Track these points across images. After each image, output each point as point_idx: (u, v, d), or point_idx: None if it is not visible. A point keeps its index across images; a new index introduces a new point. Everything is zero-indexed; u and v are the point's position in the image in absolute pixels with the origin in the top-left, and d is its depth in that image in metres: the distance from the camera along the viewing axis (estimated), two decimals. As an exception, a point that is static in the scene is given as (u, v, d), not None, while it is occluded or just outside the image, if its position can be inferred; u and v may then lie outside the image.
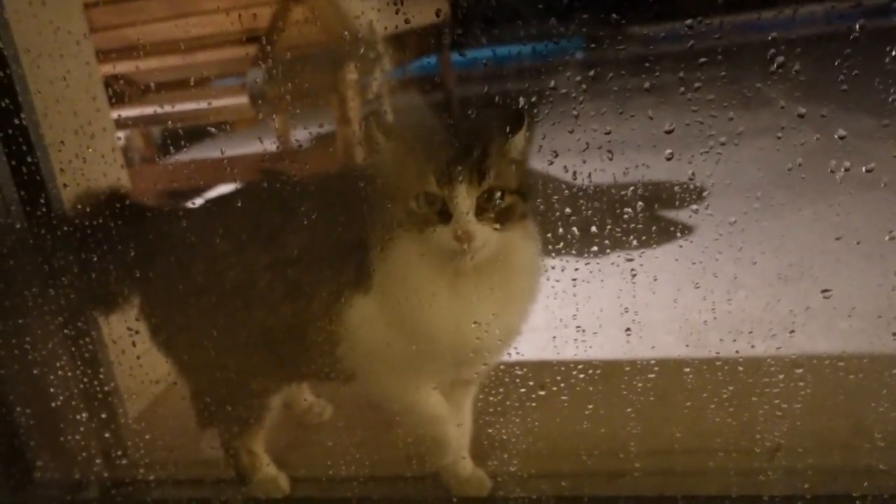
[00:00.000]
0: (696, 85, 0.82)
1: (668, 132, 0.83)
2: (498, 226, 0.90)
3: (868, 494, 0.92)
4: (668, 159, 0.83)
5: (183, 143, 1.28)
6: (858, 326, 1.02)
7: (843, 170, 0.82)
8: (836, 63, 0.79)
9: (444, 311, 0.95)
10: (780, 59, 0.79)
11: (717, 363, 0.98)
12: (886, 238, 0.84)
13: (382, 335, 0.99)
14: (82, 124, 1.02)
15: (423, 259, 0.93)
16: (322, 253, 1.02)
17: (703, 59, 0.82)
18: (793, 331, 0.91)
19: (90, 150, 0.99)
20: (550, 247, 0.96)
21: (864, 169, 0.81)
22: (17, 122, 0.98)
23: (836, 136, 0.81)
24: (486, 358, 1.01)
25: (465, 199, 0.88)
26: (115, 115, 1.43)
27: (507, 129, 0.91)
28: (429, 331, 0.96)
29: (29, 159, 1.00)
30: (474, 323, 0.95)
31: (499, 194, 0.90)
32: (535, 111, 0.92)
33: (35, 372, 1.12)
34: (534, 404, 1.04)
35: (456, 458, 1.10)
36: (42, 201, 1.03)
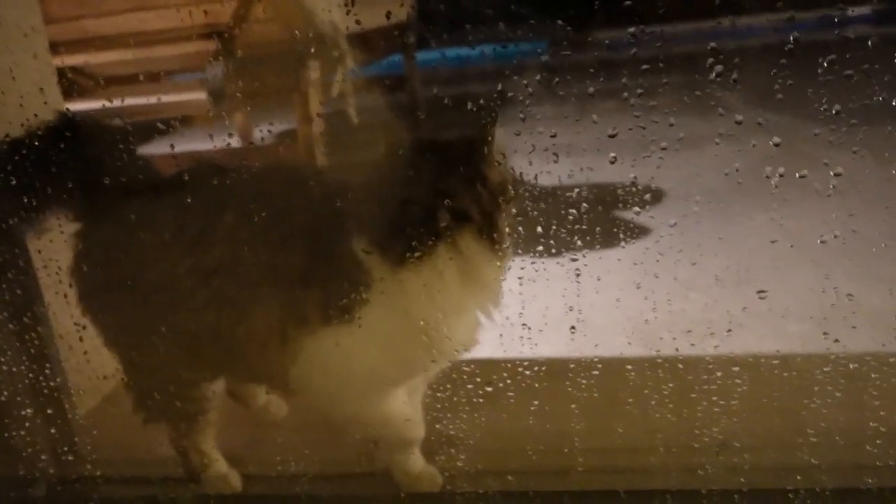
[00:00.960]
0: (639, 91, 0.85)
1: (612, 136, 0.85)
2: None
3: (801, 488, 0.96)
4: (612, 163, 0.85)
5: (143, 138, 1.27)
6: (795, 328, 1.06)
7: (778, 175, 0.85)
8: (772, 73, 0.82)
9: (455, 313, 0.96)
10: (719, 67, 0.82)
11: (659, 361, 1.01)
12: (818, 242, 0.88)
13: (354, 360, 0.98)
14: (28, 117, 1.00)
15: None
16: (270, 272, 0.99)
17: (645, 66, 0.84)
18: (730, 330, 0.94)
19: (36, 143, 0.98)
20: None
21: (797, 175, 0.85)
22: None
23: (771, 143, 0.84)
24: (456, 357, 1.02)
25: None
26: (69, 108, 1.41)
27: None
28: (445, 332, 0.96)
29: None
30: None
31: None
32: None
33: (-21, 367, 1.11)
34: (481, 401, 1.05)
35: (407, 451, 1.10)
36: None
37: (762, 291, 0.91)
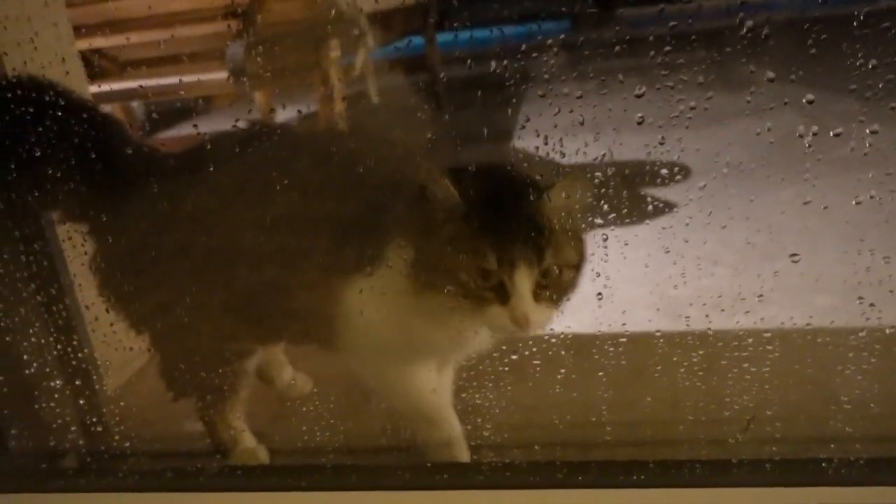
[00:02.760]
0: (664, 57, 0.82)
1: (639, 96, 0.83)
2: (555, 304, 0.87)
3: (834, 458, 0.94)
4: (639, 123, 0.83)
5: (166, 120, 1.27)
6: (828, 292, 1.04)
7: (811, 134, 0.83)
8: (805, 26, 0.80)
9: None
10: (750, 23, 0.80)
11: (688, 331, 0.99)
12: (853, 203, 0.85)
13: (381, 320, 0.96)
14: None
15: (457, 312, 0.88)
16: (320, 223, 0.98)
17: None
18: (761, 295, 0.92)
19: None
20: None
21: (831, 133, 0.82)
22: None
23: (804, 101, 0.82)
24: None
25: (524, 282, 0.83)
26: (93, 89, 1.42)
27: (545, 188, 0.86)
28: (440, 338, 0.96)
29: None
30: None
31: (556, 271, 0.85)
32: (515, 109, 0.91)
33: (8, 339, 1.12)
34: (506, 370, 1.05)
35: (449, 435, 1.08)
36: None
37: (794, 255, 0.88)
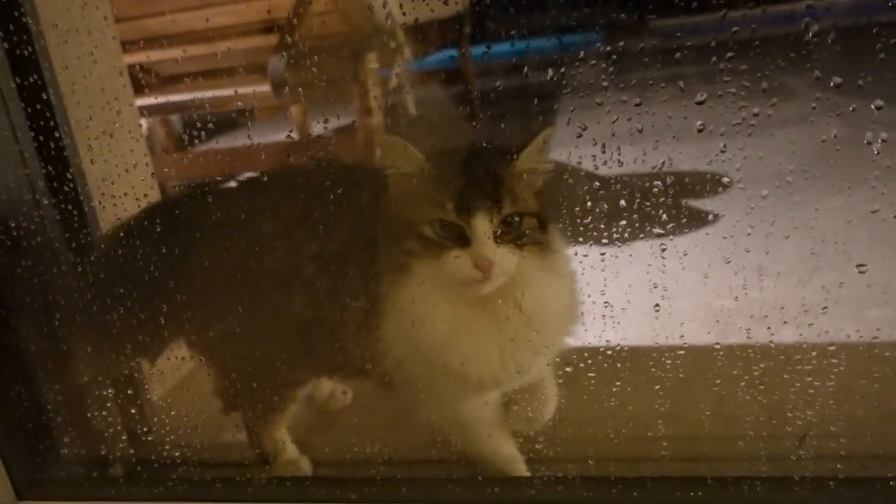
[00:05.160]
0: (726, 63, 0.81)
1: (699, 103, 0.81)
2: (517, 250, 0.88)
3: (902, 476, 0.90)
4: (700, 131, 0.81)
5: (206, 133, 1.28)
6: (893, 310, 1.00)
7: (880, 141, 0.80)
8: (873, 31, 0.78)
9: (458, 337, 0.94)
10: (815, 27, 0.78)
11: (749, 344, 0.97)
12: (923, 212, 0.82)
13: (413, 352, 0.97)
14: (109, 100, 1.02)
15: (438, 287, 0.91)
16: (361, 250, 1.00)
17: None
18: (825, 307, 0.89)
19: (117, 125, 1.00)
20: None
21: (901, 140, 0.80)
22: (43, 97, 0.98)
23: (873, 107, 0.79)
24: (506, 383, 0.99)
25: (484, 226, 0.86)
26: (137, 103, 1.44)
27: (514, 148, 0.90)
28: (444, 357, 0.94)
29: (56, 135, 1.00)
30: (489, 348, 0.94)
31: (517, 218, 0.89)
32: (552, 118, 0.91)
33: (64, 348, 1.13)
34: (560, 381, 1.03)
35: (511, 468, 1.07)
36: (69, 177, 1.03)
37: (861, 265, 0.86)
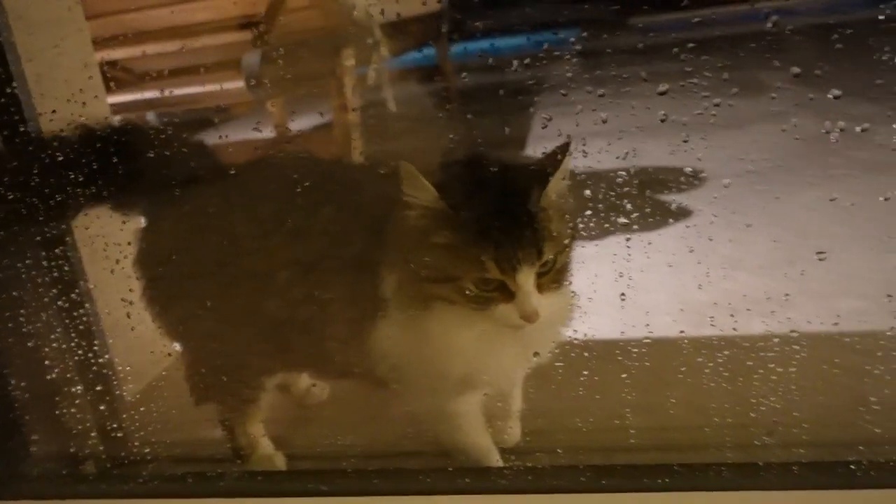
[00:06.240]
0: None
1: (662, 93, 0.82)
2: (557, 287, 0.87)
3: (864, 460, 0.92)
4: (662, 121, 0.82)
5: (183, 130, 1.27)
6: (855, 291, 1.02)
7: (837, 130, 0.82)
8: (830, 22, 0.79)
9: (482, 356, 0.93)
10: (774, 17, 0.79)
11: (714, 333, 0.98)
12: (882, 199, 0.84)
13: (409, 355, 0.96)
14: (74, 92, 1.01)
15: (464, 320, 0.88)
16: (345, 257, 0.98)
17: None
18: (787, 294, 0.90)
19: (83, 118, 0.99)
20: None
21: (857, 129, 0.81)
22: (7, 90, 0.97)
23: (830, 96, 0.81)
24: (518, 380, 1.00)
25: (527, 280, 0.83)
26: (111, 100, 1.43)
27: (538, 173, 0.85)
28: (465, 373, 0.94)
29: (22, 129, 0.99)
30: (511, 358, 0.95)
31: (553, 258, 0.85)
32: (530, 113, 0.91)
33: (30, 344, 1.12)
34: (528, 371, 1.04)
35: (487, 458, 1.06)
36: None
37: (821, 252, 0.87)
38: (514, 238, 0.82)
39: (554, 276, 0.86)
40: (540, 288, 0.84)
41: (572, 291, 0.94)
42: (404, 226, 0.87)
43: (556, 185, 0.85)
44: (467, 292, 0.85)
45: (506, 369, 0.97)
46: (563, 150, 0.85)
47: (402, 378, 0.99)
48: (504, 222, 0.82)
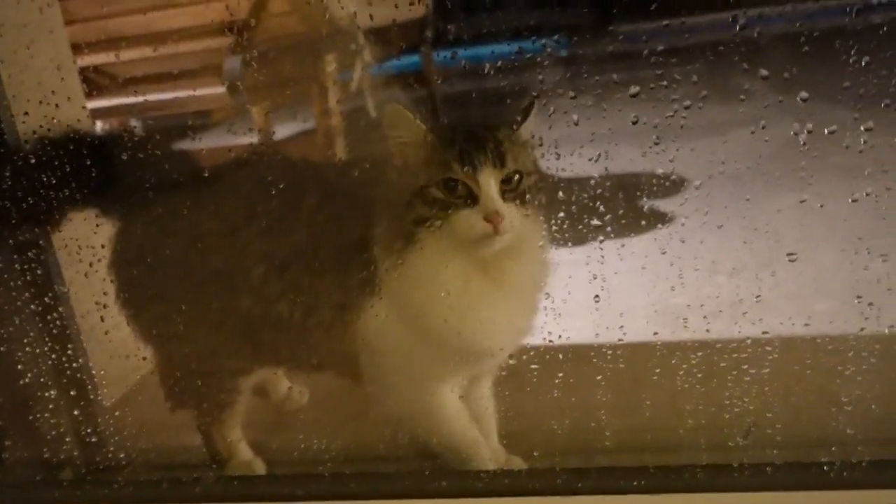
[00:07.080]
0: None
1: (633, 96, 0.83)
2: (520, 207, 0.91)
3: (836, 460, 0.93)
4: (634, 123, 0.83)
5: (167, 136, 1.27)
6: (826, 292, 1.03)
7: (806, 132, 0.83)
8: (797, 24, 0.80)
9: (469, 305, 0.94)
10: (742, 20, 0.80)
11: (687, 335, 0.99)
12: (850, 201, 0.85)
13: (395, 338, 0.98)
14: (46, 94, 1.01)
15: (446, 253, 0.92)
16: (325, 252, 1.00)
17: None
18: (758, 296, 0.91)
19: (55, 120, 0.99)
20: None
21: (826, 131, 0.82)
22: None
23: (798, 99, 0.82)
24: (508, 348, 1.00)
25: (490, 182, 0.88)
26: (91, 105, 1.42)
27: (518, 117, 0.93)
28: (454, 327, 0.95)
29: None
30: (497, 313, 0.95)
31: (517, 177, 0.91)
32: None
33: (2, 349, 1.11)
34: (504, 374, 1.04)
35: (487, 460, 1.06)
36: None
37: (791, 254, 0.88)
38: (478, 144, 0.90)
39: (519, 195, 0.91)
40: (504, 198, 0.89)
41: (543, 230, 0.97)
42: (388, 174, 0.96)
43: (526, 130, 0.94)
44: (436, 197, 0.90)
45: (490, 329, 0.96)
46: (528, 108, 0.94)
47: (385, 367, 1.00)
48: (472, 137, 0.91)
